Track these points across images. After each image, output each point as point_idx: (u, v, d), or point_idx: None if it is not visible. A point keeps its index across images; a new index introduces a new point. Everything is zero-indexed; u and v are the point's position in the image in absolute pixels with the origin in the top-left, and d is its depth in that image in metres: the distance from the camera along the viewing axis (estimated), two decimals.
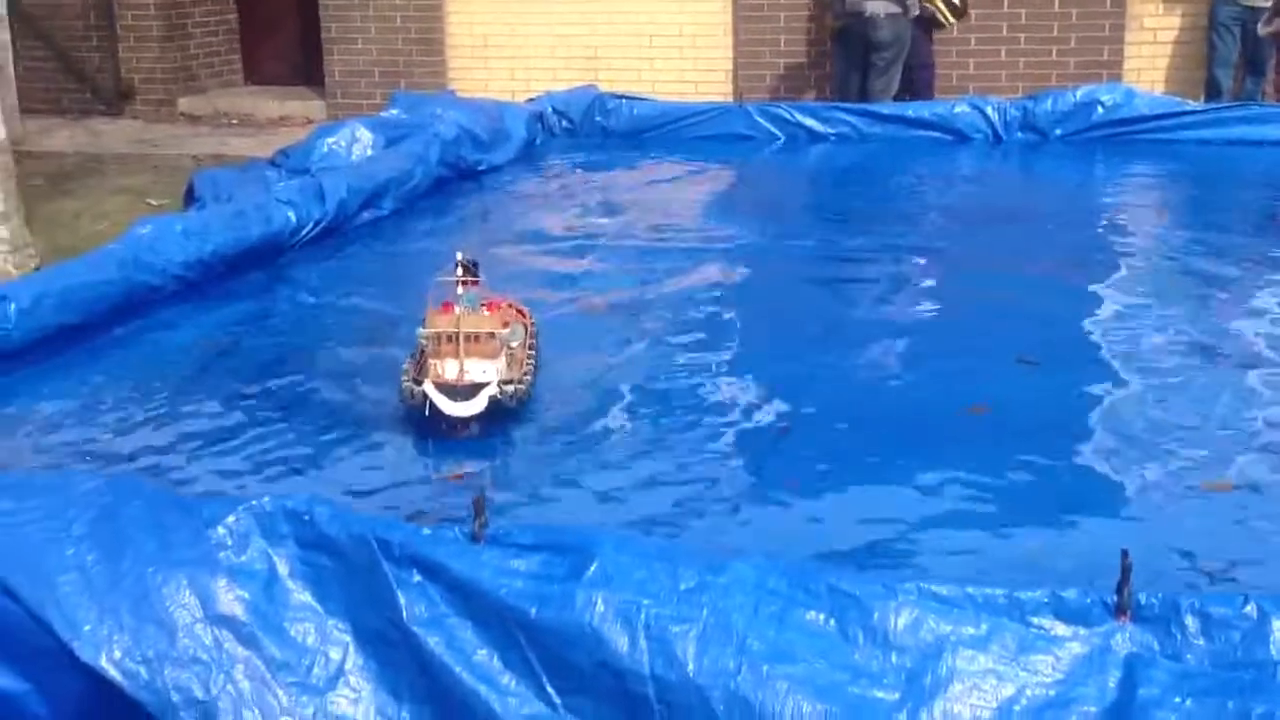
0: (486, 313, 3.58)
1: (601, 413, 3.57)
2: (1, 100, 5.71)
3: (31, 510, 2.48)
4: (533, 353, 3.74)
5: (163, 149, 9.17)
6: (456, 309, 3.52)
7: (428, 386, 3.38)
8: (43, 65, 11.17)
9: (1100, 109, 7.06)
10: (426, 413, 3.37)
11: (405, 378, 3.51)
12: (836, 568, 2.41)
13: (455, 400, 3.36)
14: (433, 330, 3.47)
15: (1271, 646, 2.13)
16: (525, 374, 3.58)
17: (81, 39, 11.22)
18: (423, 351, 3.54)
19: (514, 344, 3.65)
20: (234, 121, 10.77)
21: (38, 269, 5.23)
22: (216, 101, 11.26)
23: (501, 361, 3.50)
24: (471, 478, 3.19)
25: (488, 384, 3.39)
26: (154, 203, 6.83)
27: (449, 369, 3.42)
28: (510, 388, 3.45)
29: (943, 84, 9.20)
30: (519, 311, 3.93)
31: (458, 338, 3.43)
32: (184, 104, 11.14)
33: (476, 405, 3.36)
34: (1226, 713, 2.07)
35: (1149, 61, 9.28)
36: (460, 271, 3.62)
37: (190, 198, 5.96)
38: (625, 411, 3.59)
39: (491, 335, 3.47)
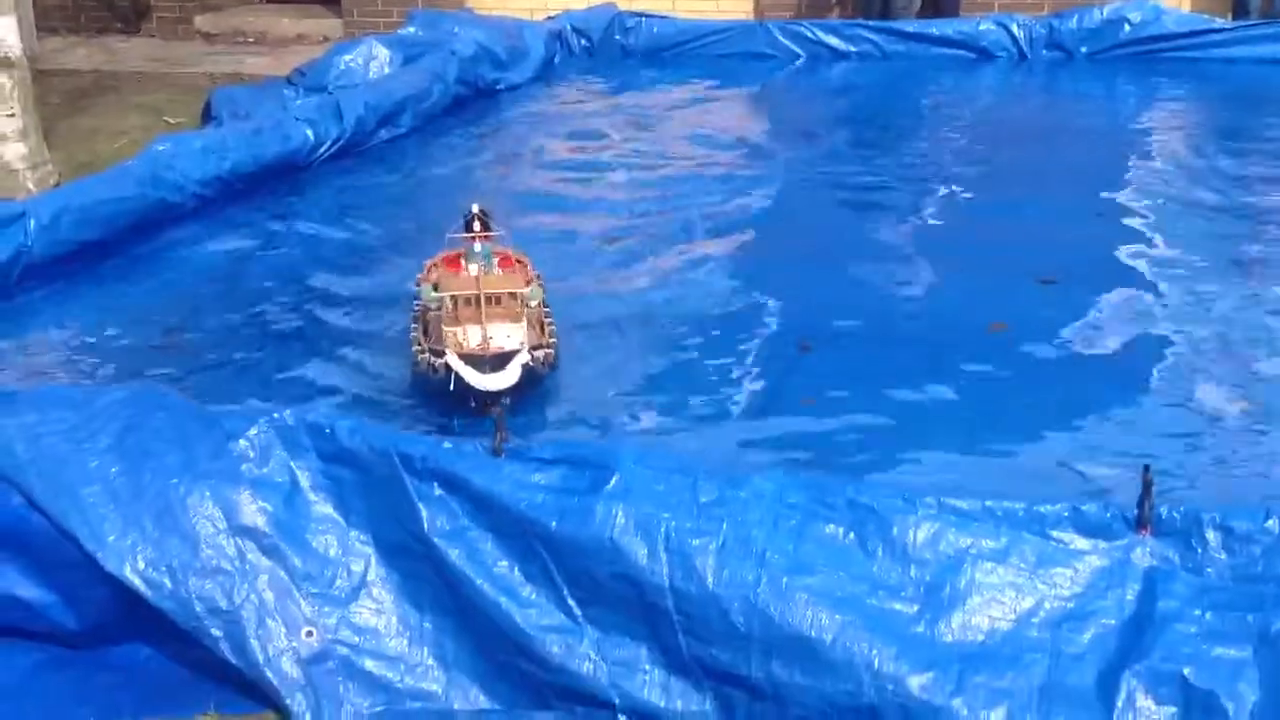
0: (499, 270, 3.20)
1: (619, 331, 3.56)
2: (18, 17, 5.64)
3: (56, 423, 2.50)
4: (548, 307, 3.34)
5: (179, 67, 9.09)
6: (469, 266, 3.14)
7: (451, 358, 2.97)
8: None
9: (1127, 26, 6.96)
10: (451, 387, 2.97)
11: (417, 348, 3.12)
12: (855, 481, 2.40)
13: (484, 371, 2.96)
14: (448, 293, 3.07)
15: None
16: (551, 336, 3.20)
17: None
18: (426, 315, 3.17)
19: (533, 303, 3.21)
20: (250, 40, 10.67)
21: (57, 185, 5.21)
22: (233, 19, 11.15)
23: (525, 323, 3.10)
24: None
25: (518, 351, 3.00)
26: (171, 121, 6.78)
27: (472, 336, 3.02)
28: (540, 353, 3.08)
29: (967, 1, 9.05)
30: (518, 262, 3.45)
31: (477, 300, 3.05)
32: (200, 22, 11.04)
33: (510, 376, 2.97)
34: (1246, 626, 2.08)
35: None
36: (476, 225, 3.27)
37: (208, 115, 5.94)
38: (642, 332, 3.58)
39: (513, 296, 3.08)
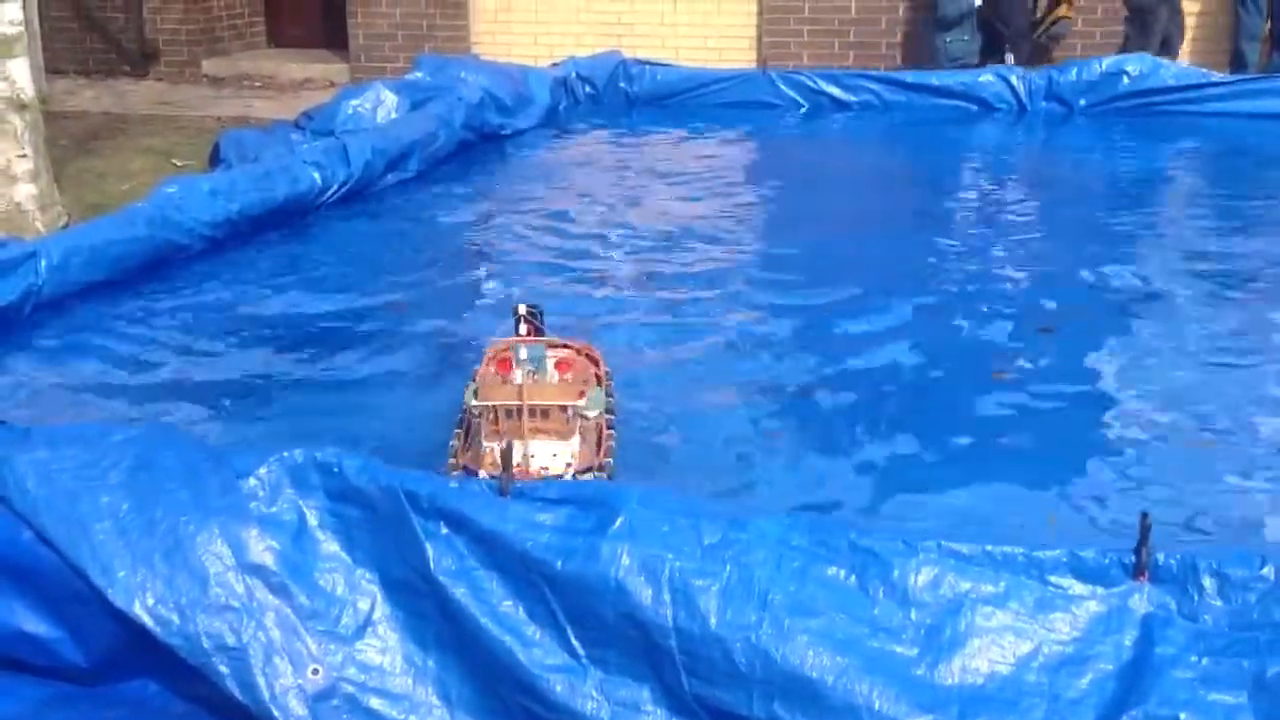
0: (556, 375, 2.88)
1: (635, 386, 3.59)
2: (28, 59, 5.71)
3: (67, 460, 2.53)
4: (611, 416, 2.96)
5: (187, 110, 9.19)
6: (517, 372, 2.80)
7: (482, 475, 2.64)
8: (68, 25, 11.17)
9: (1126, 79, 7.05)
10: None
11: (453, 458, 2.80)
12: (857, 525, 2.43)
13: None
14: (487, 403, 2.73)
15: None
16: (606, 454, 2.81)
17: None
18: (471, 423, 2.83)
19: (591, 414, 2.82)
20: (257, 84, 10.77)
21: (66, 226, 5.26)
22: (240, 64, 11.26)
23: (576, 440, 2.75)
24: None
25: (560, 476, 2.65)
26: (179, 163, 6.86)
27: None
28: (589, 475, 2.69)
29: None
30: (588, 358, 3.13)
31: (520, 412, 2.69)
32: (208, 66, 11.15)
33: None
34: (1242, 672, 2.11)
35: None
36: (523, 328, 2.95)
37: (215, 158, 5.99)
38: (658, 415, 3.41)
39: (563, 409, 2.72)
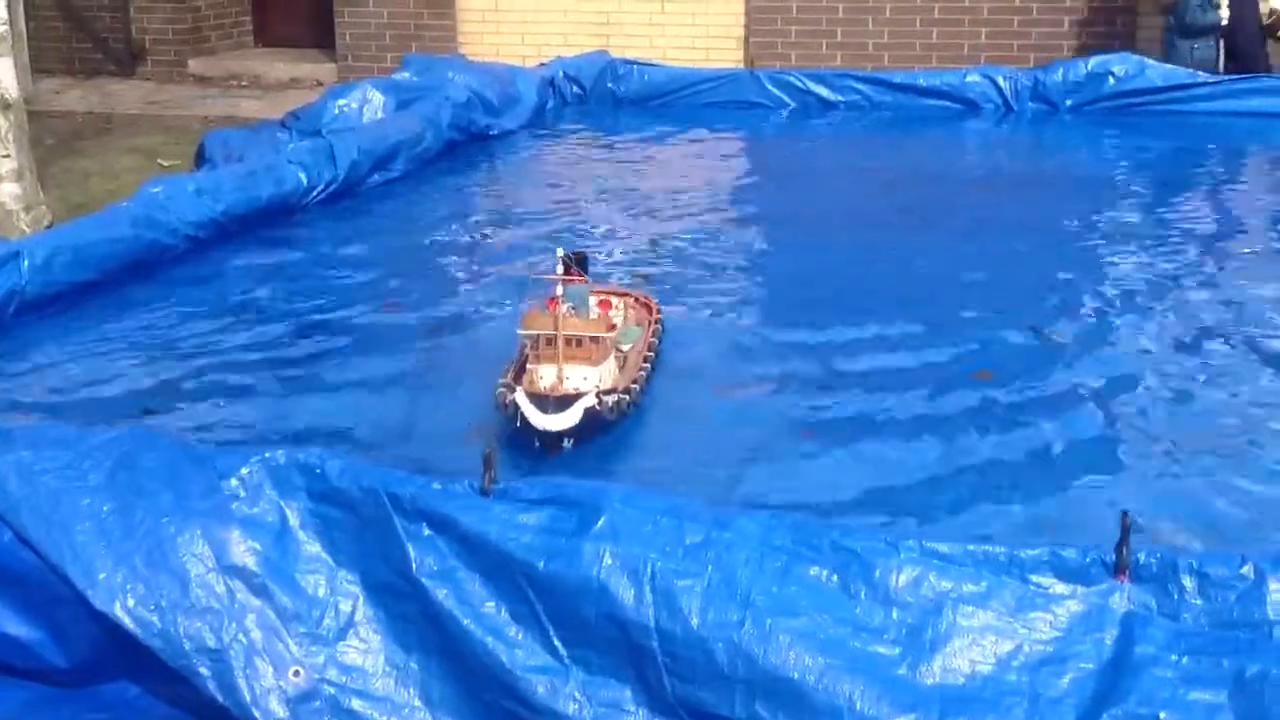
0: (598, 312, 3.29)
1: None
2: (14, 59, 5.70)
3: (48, 461, 2.52)
4: (651, 353, 3.45)
5: (173, 110, 9.19)
6: (561, 308, 3.16)
7: (519, 395, 3.05)
8: (55, 25, 11.17)
9: (1111, 79, 7.06)
10: (518, 424, 3.05)
11: (501, 381, 3.21)
12: (840, 524, 2.43)
13: (546, 412, 3.01)
14: (530, 332, 3.16)
15: (1268, 606, 2.16)
16: (634, 382, 3.25)
17: None
18: (523, 352, 3.26)
19: (624, 346, 3.32)
20: (244, 83, 10.77)
21: (51, 226, 5.25)
22: (227, 63, 11.26)
23: (608, 367, 3.18)
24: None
25: (583, 395, 3.04)
26: (165, 163, 6.85)
27: (546, 376, 3.10)
28: (611, 398, 3.10)
29: (954, 53, 9.19)
30: (645, 305, 3.67)
31: (556, 340, 3.11)
32: (194, 65, 11.14)
33: (568, 419, 3.00)
34: (1222, 671, 2.11)
35: (1160, 33, 9.24)
36: (560, 269, 3.26)
37: (201, 158, 5.98)
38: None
39: (595, 340, 3.14)
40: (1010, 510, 2.87)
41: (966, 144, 6.84)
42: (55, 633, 2.47)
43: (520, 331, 3.21)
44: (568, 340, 3.09)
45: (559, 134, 6.96)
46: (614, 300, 3.60)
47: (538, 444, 3.04)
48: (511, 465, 2.90)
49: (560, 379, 3.08)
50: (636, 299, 3.69)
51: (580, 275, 3.28)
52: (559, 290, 3.18)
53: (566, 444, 3.02)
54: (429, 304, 4.23)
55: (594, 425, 3.08)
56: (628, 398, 3.17)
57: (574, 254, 3.36)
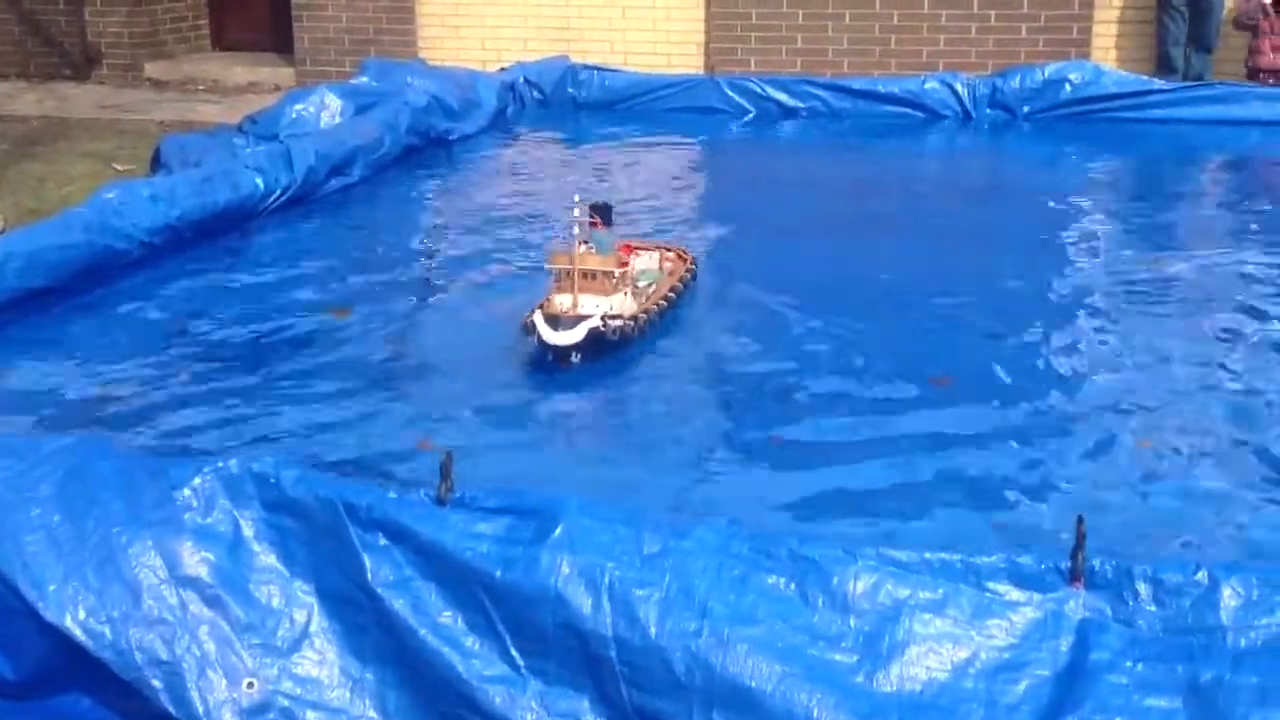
0: (614, 253, 3.74)
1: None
2: None
3: None
4: (673, 294, 3.98)
5: (130, 114, 9.10)
6: (580, 247, 3.68)
7: (536, 315, 3.58)
8: (9, 28, 11.05)
9: (1068, 86, 7.11)
10: (536, 342, 3.57)
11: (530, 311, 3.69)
12: (797, 533, 2.43)
13: (556, 329, 3.53)
14: (553, 266, 3.69)
15: (1221, 612, 2.17)
16: (644, 312, 3.77)
17: (48, 1, 11.10)
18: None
19: (641, 283, 3.90)
20: (201, 87, 10.69)
21: (3, 232, 5.19)
22: (184, 67, 11.17)
23: (620, 298, 3.68)
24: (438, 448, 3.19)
25: (590, 316, 3.55)
26: (120, 168, 6.79)
27: (562, 302, 3.63)
28: (615, 322, 3.61)
29: (912, 60, 9.23)
30: (679, 256, 4.27)
31: (573, 273, 3.62)
32: (151, 69, 11.05)
33: (573, 335, 3.52)
34: (1176, 677, 2.12)
35: (1115, 40, 9.34)
36: (577, 213, 3.75)
37: (157, 163, 5.93)
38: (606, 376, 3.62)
39: (608, 274, 3.65)
40: (967, 517, 2.87)
41: (926, 151, 6.87)
42: (5, 645, 2.44)
43: (546, 266, 3.76)
44: (583, 274, 3.62)
45: (519, 138, 6.95)
46: (641, 251, 4.15)
47: (550, 357, 3.56)
48: (469, 476, 2.88)
49: (576, 305, 3.59)
50: (677, 253, 4.31)
51: (596, 220, 3.76)
52: (582, 234, 3.72)
53: (575, 358, 3.56)
54: (385, 309, 4.20)
55: (599, 344, 3.57)
56: (633, 324, 3.67)
57: (592, 203, 3.82)
